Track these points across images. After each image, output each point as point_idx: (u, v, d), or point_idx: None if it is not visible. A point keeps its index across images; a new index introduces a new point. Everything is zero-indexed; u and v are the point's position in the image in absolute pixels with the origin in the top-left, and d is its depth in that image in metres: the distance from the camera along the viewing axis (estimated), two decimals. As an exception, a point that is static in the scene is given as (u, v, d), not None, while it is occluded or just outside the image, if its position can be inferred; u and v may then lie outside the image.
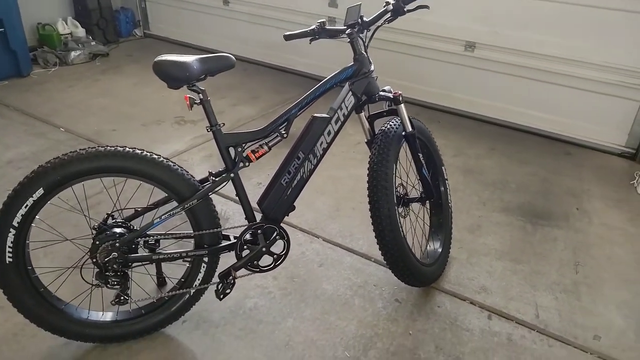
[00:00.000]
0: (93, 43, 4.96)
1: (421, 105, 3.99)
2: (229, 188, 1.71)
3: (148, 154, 1.57)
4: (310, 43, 1.93)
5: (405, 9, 1.74)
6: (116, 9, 5.47)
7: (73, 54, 4.67)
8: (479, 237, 2.45)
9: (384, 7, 1.78)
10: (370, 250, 2.29)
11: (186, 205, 1.60)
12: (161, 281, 1.96)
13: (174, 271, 1.88)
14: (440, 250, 2.14)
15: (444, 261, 2.15)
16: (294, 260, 2.21)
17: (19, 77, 4.15)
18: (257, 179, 2.75)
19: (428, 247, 2.18)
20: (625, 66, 3.18)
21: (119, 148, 1.54)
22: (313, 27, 1.84)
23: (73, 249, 2.08)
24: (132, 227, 1.66)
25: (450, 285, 2.12)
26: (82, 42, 4.92)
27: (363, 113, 1.94)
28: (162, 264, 1.86)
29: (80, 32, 5.04)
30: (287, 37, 1.88)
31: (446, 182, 2.25)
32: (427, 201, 2.15)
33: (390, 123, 1.91)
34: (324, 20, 1.83)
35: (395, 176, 1.86)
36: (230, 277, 1.69)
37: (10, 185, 2.62)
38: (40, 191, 1.47)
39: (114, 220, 1.65)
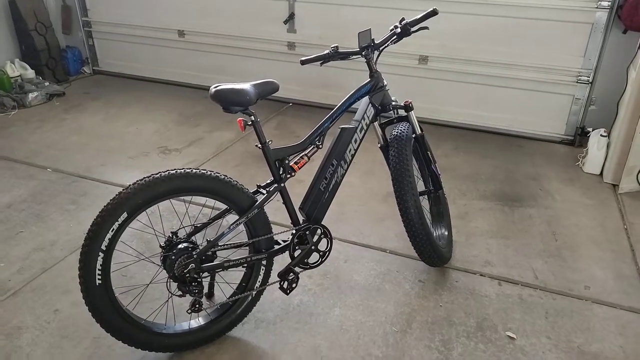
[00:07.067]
0: (47, 84, 4.90)
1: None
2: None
3: (212, 172, 1.75)
4: (321, 65, 2.19)
5: (411, 31, 2.06)
6: (62, 47, 5.43)
7: (30, 95, 4.59)
8: (470, 222, 2.82)
9: (392, 30, 2.09)
10: (382, 244, 2.57)
11: (249, 215, 1.79)
12: (210, 292, 2.11)
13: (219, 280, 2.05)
14: (446, 234, 2.47)
15: (451, 243, 2.48)
16: (321, 260, 2.43)
17: (-21, 125, 4.04)
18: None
19: (435, 233, 2.49)
20: (559, 66, 3.75)
21: (187, 170, 1.71)
22: (327, 51, 2.10)
23: (135, 267, 2.19)
24: (195, 241, 1.82)
25: (460, 263, 2.44)
26: (34, 83, 4.84)
27: (377, 122, 2.22)
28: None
29: (30, 73, 4.96)
30: (303, 62, 2.14)
31: (439, 175, 2.59)
32: (430, 194, 2.47)
33: (400, 128, 2.20)
34: (337, 45, 2.10)
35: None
36: (292, 274, 1.90)
37: (19, 227, 2.69)
38: (125, 215, 1.59)
39: (177, 238, 1.80)
